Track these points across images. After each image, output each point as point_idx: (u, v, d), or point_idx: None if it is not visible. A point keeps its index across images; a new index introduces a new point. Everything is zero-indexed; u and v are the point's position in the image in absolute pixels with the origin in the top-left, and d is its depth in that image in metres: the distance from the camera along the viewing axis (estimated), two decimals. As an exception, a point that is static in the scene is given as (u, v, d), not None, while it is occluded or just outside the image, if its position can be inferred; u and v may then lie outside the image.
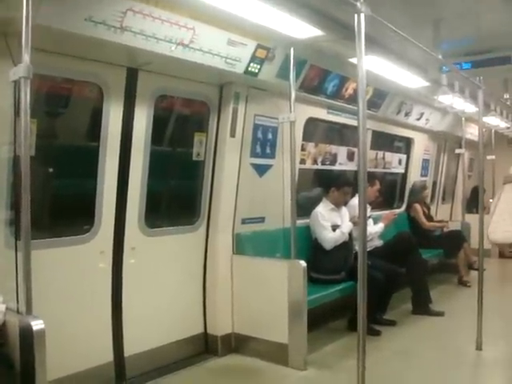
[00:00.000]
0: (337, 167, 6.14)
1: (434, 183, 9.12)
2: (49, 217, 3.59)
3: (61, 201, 3.67)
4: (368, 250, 5.20)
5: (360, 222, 2.63)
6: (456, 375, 3.96)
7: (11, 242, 2.87)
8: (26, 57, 2.09)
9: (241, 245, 4.54)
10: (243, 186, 4.52)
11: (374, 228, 5.67)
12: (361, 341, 2.54)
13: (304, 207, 5.35)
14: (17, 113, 2.59)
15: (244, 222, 4.61)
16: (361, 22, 2.42)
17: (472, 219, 7.36)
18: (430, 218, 7.55)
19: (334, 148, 6.08)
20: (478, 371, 4.28)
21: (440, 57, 4.17)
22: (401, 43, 3.59)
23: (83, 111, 3.81)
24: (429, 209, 7.80)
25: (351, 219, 5.18)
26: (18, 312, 2.25)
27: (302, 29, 3.50)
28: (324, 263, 4.91)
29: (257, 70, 4.02)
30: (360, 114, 2.51)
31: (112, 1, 2.81)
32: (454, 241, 7.07)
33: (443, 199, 9.63)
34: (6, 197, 3.00)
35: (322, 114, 5.48)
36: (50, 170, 3.57)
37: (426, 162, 8.49)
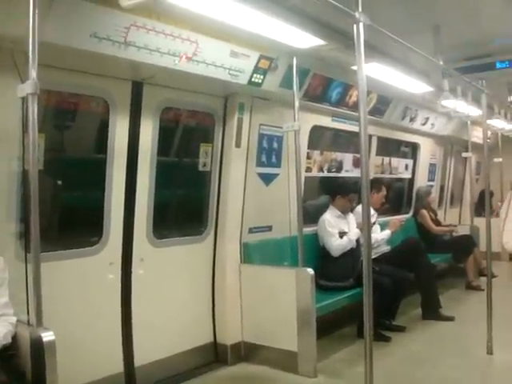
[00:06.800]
0: (343, 174, 6.15)
1: (442, 187, 9.10)
2: (58, 229, 3.64)
3: (69, 213, 3.72)
4: (376, 256, 5.27)
5: (364, 228, 2.64)
6: (467, 380, 3.96)
7: (21, 254, 2.93)
8: (33, 73, 2.14)
9: (248, 254, 4.56)
10: (250, 195, 4.55)
11: (381, 235, 5.67)
12: (368, 347, 2.54)
13: (311, 215, 5.37)
14: (25, 128, 2.66)
15: (251, 231, 4.63)
16: (360, 31, 2.45)
17: (481, 223, 7.33)
18: (437, 222, 7.53)
19: (339, 155, 6.11)
20: (489, 376, 4.25)
21: (441, 62, 4.19)
22: (402, 50, 3.61)
23: (90, 125, 3.87)
24: (435, 213, 7.78)
25: (358, 225, 5.19)
26: (28, 324, 2.29)
27: (303, 38, 3.52)
28: (332, 270, 4.92)
29: (260, 81, 4.06)
30: (361, 123, 2.53)
31: (115, 17, 2.86)
32: (464, 245, 7.05)
33: (451, 203, 9.60)
34: (16, 210, 3.04)
35: (326, 121, 5.51)
36: (58, 183, 3.63)
37: (432, 166, 8.48)
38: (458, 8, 3.80)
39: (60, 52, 2.82)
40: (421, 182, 8.00)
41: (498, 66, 4.66)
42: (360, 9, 2.43)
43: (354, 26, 2.46)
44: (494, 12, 3.85)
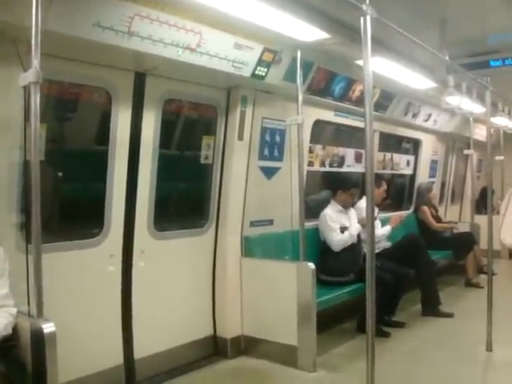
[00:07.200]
0: (344, 169, 6.14)
1: (443, 184, 9.09)
2: (59, 220, 3.62)
3: (70, 205, 3.70)
4: (376, 251, 5.24)
5: (367, 223, 2.63)
6: (466, 376, 3.95)
7: (22, 245, 2.92)
8: (36, 62, 2.12)
9: (249, 247, 4.55)
10: (251, 188, 4.53)
11: (381, 230, 5.68)
12: (369, 342, 2.54)
13: (312, 209, 5.36)
14: (27, 118, 2.64)
15: (252, 224, 4.62)
16: (367, 24, 2.43)
17: (481, 220, 7.33)
18: (437, 219, 7.52)
19: (341, 150, 6.09)
20: (488, 372, 4.27)
21: (447, 58, 4.16)
22: (407, 44, 3.59)
23: (92, 116, 3.84)
24: (436, 210, 7.77)
25: (359, 221, 5.19)
26: (29, 315, 2.28)
27: (308, 32, 3.51)
28: (333, 265, 4.91)
29: (264, 74, 4.03)
30: (367, 117, 2.51)
31: (120, 6, 2.84)
32: (465, 243, 7.04)
33: (452, 200, 9.59)
34: (17, 201, 3.02)
35: (329, 116, 5.48)
36: (60, 173, 3.60)
37: (434, 163, 8.47)
38: (464, 3, 3.77)
39: (63, 41, 2.79)
40: (422, 178, 7.98)
41: (492, 64, 4.60)
42: (367, 1, 2.40)
43: (361, 18, 2.43)
44: (501, 8, 3.82)
